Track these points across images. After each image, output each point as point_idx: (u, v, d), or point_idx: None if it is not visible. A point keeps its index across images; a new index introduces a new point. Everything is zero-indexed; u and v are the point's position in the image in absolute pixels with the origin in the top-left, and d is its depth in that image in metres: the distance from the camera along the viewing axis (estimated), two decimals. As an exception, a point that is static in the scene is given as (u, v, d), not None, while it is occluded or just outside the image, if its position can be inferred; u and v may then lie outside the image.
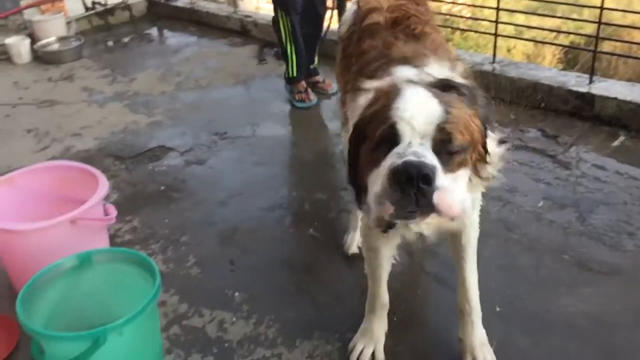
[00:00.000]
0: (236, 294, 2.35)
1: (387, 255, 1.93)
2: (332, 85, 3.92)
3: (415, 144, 1.36)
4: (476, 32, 5.13)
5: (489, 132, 1.54)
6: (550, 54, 11.50)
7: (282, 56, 3.88)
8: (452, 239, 1.90)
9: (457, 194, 1.40)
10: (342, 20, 2.46)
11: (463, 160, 1.43)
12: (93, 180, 2.43)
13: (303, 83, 3.90)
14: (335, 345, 2.09)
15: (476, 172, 1.52)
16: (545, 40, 7.89)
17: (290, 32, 3.71)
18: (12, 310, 1.81)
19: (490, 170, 1.55)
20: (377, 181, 1.39)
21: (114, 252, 2.17)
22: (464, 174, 1.45)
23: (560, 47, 9.53)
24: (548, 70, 3.64)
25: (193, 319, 2.25)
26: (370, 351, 2.01)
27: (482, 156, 1.51)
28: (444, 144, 1.38)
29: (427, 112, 1.38)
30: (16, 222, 2.26)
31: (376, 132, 1.42)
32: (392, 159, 1.36)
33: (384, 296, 2.01)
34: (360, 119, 1.53)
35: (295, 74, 3.85)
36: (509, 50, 10.70)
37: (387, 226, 1.61)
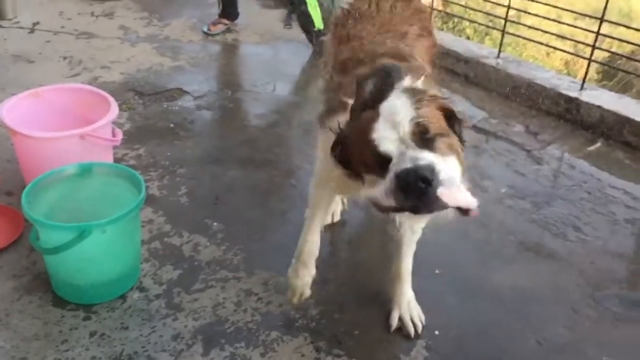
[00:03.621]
0: (214, 223, 2.65)
1: (329, 206, 2.17)
2: None
3: (405, 152, 1.45)
4: (483, 25, 5.28)
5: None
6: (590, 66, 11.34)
7: None
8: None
9: (458, 182, 1.46)
10: None
11: (449, 144, 1.54)
12: (107, 106, 2.75)
13: (223, 20, 4.69)
14: (288, 278, 2.38)
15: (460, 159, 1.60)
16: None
17: None
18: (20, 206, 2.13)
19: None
20: (382, 194, 1.47)
21: (111, 167, 2.50)
22: (453, 160, 1.51)
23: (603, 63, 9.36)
24: (546, 72, 3.83)
25: (173, 238, 2.56)
26: (298, 296, 2.20)
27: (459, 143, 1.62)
28: (423, 135, 1.48)
29: (403, 116, 1.48)
30: (34, 130, 2.59)
31: (367, 152, 1.51)
32: (392, 174, 1.44)
33: (315, 244, 2.18)
34: (344, 135, 1.64)
35: (218, 8, 4.71)
36: (548, 55, 10.68)
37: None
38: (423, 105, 1.52)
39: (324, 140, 1.85)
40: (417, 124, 1.47)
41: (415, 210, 1.44)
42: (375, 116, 1.52)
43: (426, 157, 1.43)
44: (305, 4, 4.26)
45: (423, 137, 1.47)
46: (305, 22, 4.38)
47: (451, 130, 1.59)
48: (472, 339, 2.15)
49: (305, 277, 2.20)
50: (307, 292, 2.22)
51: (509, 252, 2.56)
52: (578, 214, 2.79)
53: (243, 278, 2.38)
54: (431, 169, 1.41)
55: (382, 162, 1.48)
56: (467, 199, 1.45)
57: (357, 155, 1.59)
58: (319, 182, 2.11)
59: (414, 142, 1.47)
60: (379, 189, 1.48)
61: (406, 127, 1.47)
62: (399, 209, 1.46)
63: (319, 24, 4.32)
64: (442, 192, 1.40)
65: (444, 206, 1.42)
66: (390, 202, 1.46)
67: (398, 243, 2.17)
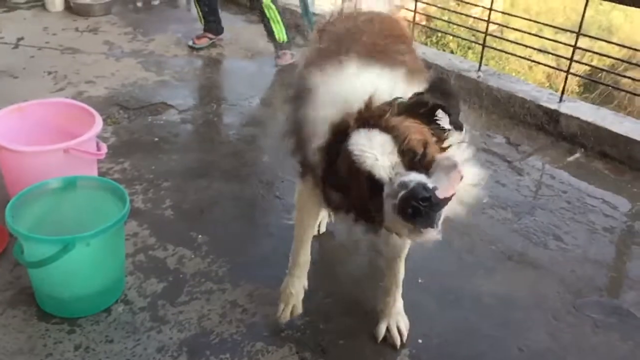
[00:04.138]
0: (199, 236, 2.66)
1: (316, 220, 2.19)
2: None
3: (395, 179, 1.46)
4: (465, 39, 5.40)
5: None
6: (571, 80, 11.56)
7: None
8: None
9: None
10: None
11: (434, 153, 1.56)
12: (92, 120, 2.76)
13: (207, 34, 4.74)
14: (275, 289, 2.36)
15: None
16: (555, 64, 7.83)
17: None
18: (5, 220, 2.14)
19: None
20: (391, 220, 1.50)
21: (96, 180, 2.51)
22: None
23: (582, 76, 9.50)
24: (526, 84, 3.91)
25: (157, 251, 2.57)
26: (289, 310, 2.23)
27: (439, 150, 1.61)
28: (413, 158, 1.49)
29: (383, 149, 1.49)
30: (18, 144, 2.60)
31: (358, 185, 1.53)
32: (393, 206, 1.45)
33: (306, 255, 2.22)
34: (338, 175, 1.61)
35: (201, 23, 4.79)
36: (530, 68, 10.90)
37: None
38: (396, 129, 1.51)
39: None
40: (403, 152, 1.49)
41: (432, 220, 1.46)
42: (354, 155, 1.51)
43: (413, 178, 1.45)
44: (268, 19, 4.34)
45: (413, 160, 1.49)
46: (270, 35, 4.47)
47: (434, 127, 1.59)
48: (454, 347, 2.18)
49: (300, 289, 2.23)
50: (300, 306, 2.23)
51: (490, 261, 2.60)
52: (558, 223, 2.84)
53: (228, 290, 2.38)
54: (424, 186, 1.43)
55: (377, 191, 1.49)
56: (460, 176, 1.48)
57: (360, 199, 1.57)
58: (302, 198, 2.14)
59: (404, 167, 1.48)
60: (397, 225, 1.50)
61: (394, 156, 1.49)
62: (424, 226, 1.48)
63: (282, 37, 4.41)
64: (441, 192, 1.44)
65: (450, 198, 1.46)
66: (408, 227, 1.48)
67: (388, 254, 2.19)
